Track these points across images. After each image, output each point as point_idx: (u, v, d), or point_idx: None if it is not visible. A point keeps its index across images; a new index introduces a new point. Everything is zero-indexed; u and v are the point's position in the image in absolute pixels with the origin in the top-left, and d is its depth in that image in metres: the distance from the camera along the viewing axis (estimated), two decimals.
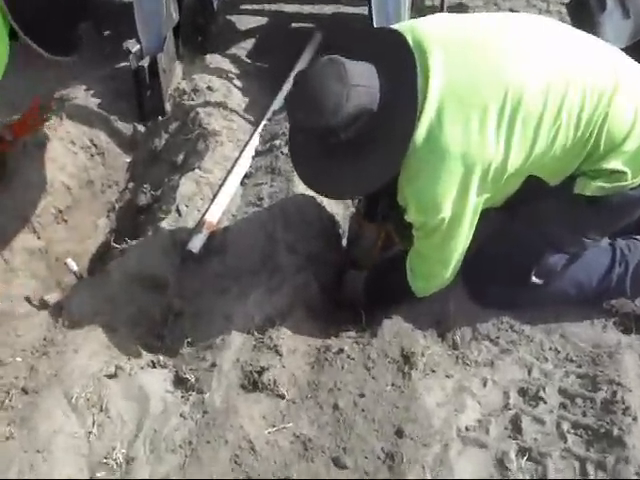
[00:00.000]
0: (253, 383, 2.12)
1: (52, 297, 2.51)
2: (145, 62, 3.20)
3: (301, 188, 2.70)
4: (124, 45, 3.28)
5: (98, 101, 3.32)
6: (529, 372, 2.16)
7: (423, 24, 2.11)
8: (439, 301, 2.33)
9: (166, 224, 2.67)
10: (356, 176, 2.05)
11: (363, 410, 2.06)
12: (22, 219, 2.77)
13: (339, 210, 2.80)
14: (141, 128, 3.37)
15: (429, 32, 2.05)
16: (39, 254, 2.75)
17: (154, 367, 2.22)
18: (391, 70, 1.98)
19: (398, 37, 2.03)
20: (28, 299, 2.54)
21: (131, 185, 3.19)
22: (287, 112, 2.23)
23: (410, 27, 2.09)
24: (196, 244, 2.56)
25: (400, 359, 2.19)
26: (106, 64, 3.62)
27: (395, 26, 2.16)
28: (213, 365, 2.17)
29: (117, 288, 2.45)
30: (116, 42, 4.14)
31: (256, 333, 2.26)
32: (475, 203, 2.04)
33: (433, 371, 2.16)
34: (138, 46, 3.23)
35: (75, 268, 2.61)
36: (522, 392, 2.10)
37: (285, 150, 2.88)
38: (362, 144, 1.99)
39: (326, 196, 2.45)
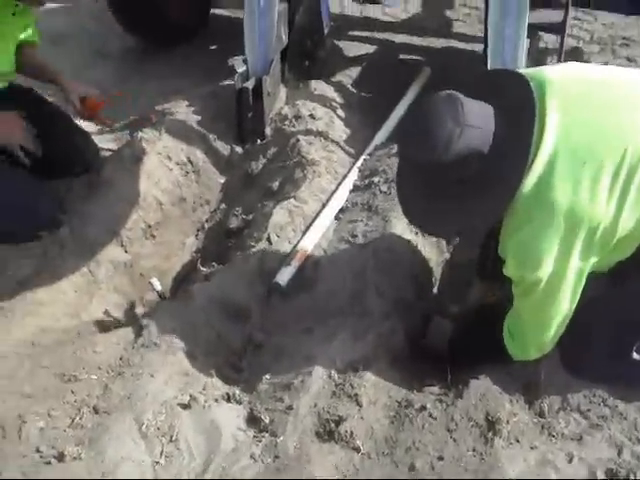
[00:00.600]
0: (329, 432, 2.02)
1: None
2: (250, 84, 3.18)
3: (398, 229, 2.61)
4: (229, 62, 3.26)
5: (198, 118, 3.30)
6: (619, 453, 1.99)
7: (548, 72, 2.02)
8: (530, 365, 2.19)
9: (255, 252, 2.61)
10: (459, 215, 1.99)
11: (440, 474, 1.94)
12: (111, 231, 2.76)
13: (432, 255, 2.70)
14: (239, 150, 3.35)
15: (553, 81, 1.96)
16: (124, 268, 2.73)
17: (229, 401, 2.15)
18: (509, 114, 1.90)
19: (521, 81, 1.94)
20: (108, 313, 2.51)
21: (223, 206, 3.15)
22: (397, 143, 2.17)
23: (535, 73, 2.00)
24: (284, 277, 2.49)
25: (484, 424, 2.06)
26: (209, 80, 3.61)
27: (521, 70, 2.07)
28: (289, 408, 2.07)
29: (199, 313, 2.39)
30: (221, 57, 4.20)
31: (337, 378, 2.16)
32: (579, 266, 1.91)
33: (517, 440, 2.02)
34: (244, 67, 3.20)
35: (159, 288, 2.57)
36: (610, 473, 1.93)
37: (383, 188, 2.81)
38: (469, 184, 1.92)
39: (427, 232, 2.41)
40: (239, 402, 2.15)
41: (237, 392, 2.17)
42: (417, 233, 2.66)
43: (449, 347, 2.35)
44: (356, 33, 4.35)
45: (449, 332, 2.37)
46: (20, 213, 2.59)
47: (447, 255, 2.77)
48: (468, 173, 1.89)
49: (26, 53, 2.92)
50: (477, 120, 1.86)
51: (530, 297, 1.99)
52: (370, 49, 4.26)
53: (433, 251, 2.71)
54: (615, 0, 3.55)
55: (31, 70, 2.97)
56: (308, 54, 3.71)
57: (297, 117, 3.28)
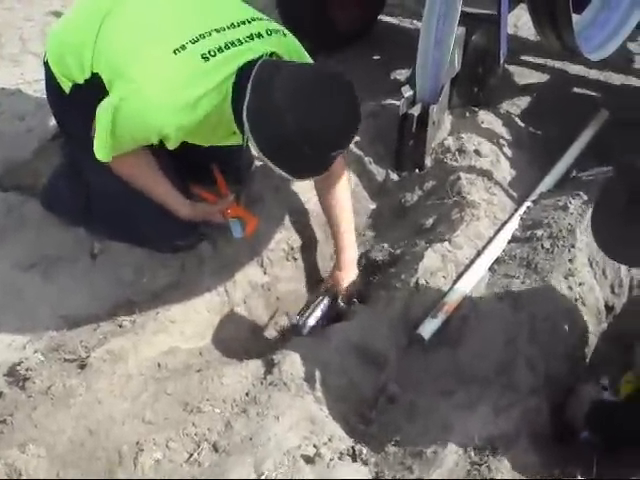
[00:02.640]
0: None
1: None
2: (416, 110, 3.00)
3: (557, 292, 2.38)
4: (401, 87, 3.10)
5: (356, 138, 3.14)
6: None
7: None
8: None
9: (400, 296, 2.44)
10: None
11: None
12: (253, 250, 2.65)
13: (591, 325, 2.44)
14: (394, 177, 3.18)
15: None
16: (261, 290, 2.63)
17: (354, 460, 1.99)
18: None
19: None
20: (238, 338, 2.42)
21: (370, 234, 2.99)
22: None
23: None
24: (428, 329, 2.32)
25: None
26: (370, 95, 3.45)
27: None
28: None
29: (333, 355, 2.26)
30: (385, 69, 4.05)
31: (473, 455, 1.97)
32: None
33: None
34: (411, 92, 3.03)
35: (294, 320, 2.46)
36: None
37: (546, 244, 2.57)
38: None
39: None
40: (365, 463, 1.99)
41: (364, 451, 2.02)
42: (577, 299, 2.42)
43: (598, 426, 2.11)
44: (530, 59, 4.09)
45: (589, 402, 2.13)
46: (164, 221, 2.52)
47: (605, 325, 2.54)
48: None
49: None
50: None
51: None
52: (542, 78, 4.01)
53: (592, 320, 2.46)
54: None
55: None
56: (479, 80, 3.48)
57: (461, 151, 3.07)
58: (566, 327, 2.32)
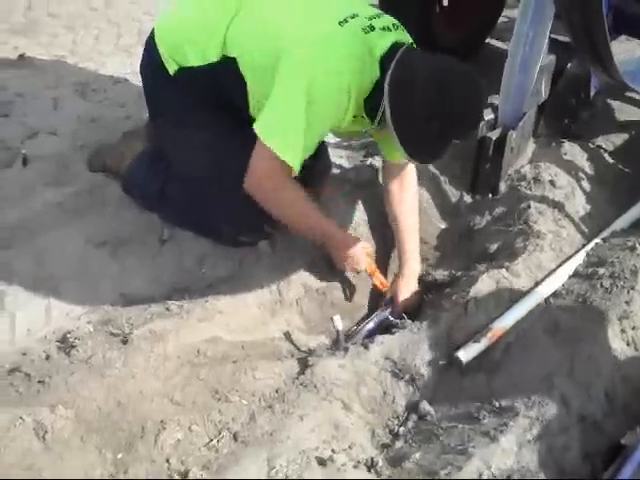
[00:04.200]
0: None
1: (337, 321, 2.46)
2: (495, 134, 2.99)
3: (608, 333, 2.31)
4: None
5: None
6: None
7: None
8: None
9: (447, 317, 2.42)
10: None
11: None
12: (311, 254, 2.71)
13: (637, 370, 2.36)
14: (467, 199, 3.16)
15: None
16: (315, 294, 2.66)
17: (369, 470, 2.00)
18: None
19: None
20: (283, 337, 2.47)
21: (434, 253, 2.99)
22: None
23: None
24: (468, 353, 2.30)
25: None
26: None
27: None
28: None
29: (371, 367, 2.27)
30: None
31: None
32: None
33: None
34: (492, 115, 3.00)
35: (340, 327, 2.46)
36: None
37: (606, 283, 2.50)
38: None
39: None
40: (379, 474, 1.99)
41: (381, 462, 2.02)
42: (628, 344, 2.34)
43: None
44: (634, 95, 3.94)
45: None
46: (230, 214, 2.60)
47: None
48: None
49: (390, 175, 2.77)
50: None
51: None
52: None
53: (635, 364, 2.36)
54: None
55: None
56: (570, 112, 3.42)
57: (536, 180, 3.02)
58: (610, 369, 2.25)
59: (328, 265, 2.70)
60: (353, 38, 2.28)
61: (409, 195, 2.71)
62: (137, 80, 3.65)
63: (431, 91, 2.20)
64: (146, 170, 2.77)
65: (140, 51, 4.00)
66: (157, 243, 2.70)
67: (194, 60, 2.46)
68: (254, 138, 2.35)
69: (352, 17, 2.30)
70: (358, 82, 2.29)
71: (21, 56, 3.83)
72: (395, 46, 2.32)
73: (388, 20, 2.41)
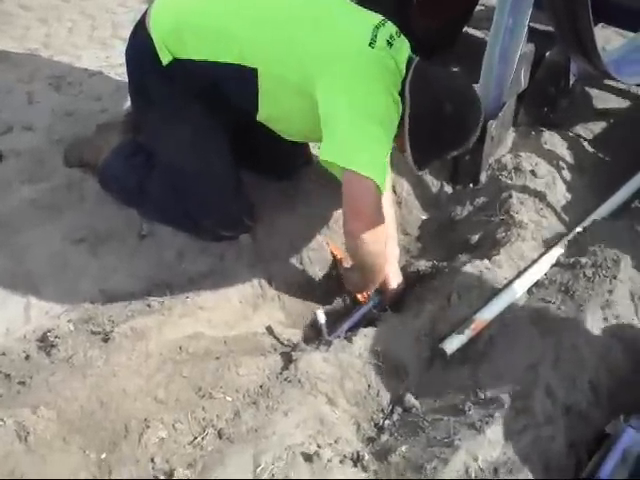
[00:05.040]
0: None
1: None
2: None
3: (591, 324, 2.32)
4: None
5: None
6: None
7: None
8: None
9: (430, 309, 2.42)
10: None
11: None
12: (293, 248, 2.71)
13: (624, 364, 2.36)
14: (448, 189, 3.16)
15: None
16: (297, 288, 2.66)
17: (355, 464, 1.99)
18: None
19: None
20: (265, 332, 2.45)
21: (417, 245, 2.98)
22: None
23: None
24: (452, 345, 2.30)
25: None
26: None
27: None
28: None
29: (354, 360, 2.26)
30: None
31: (473, 477, 1.93)
32: None
33: None
34: None
35: (323, 321, 2.46)
36: None
37: (588, 272, 2.51)
38: None
39: None
40: (365, 469, 1.98)
41: (367, 456, 2.01)
42: (612, 336, 2.35)
43: None
44: (612, 83, 3.94)
45: None
46: (211, 208, 2.58)
47: None
48: None
49: None
50: None
51: None
52: (623, 104, 3.87)
53: (627, 357, 2.37)
54: None
55: None
56: (550, 100, 3.41)
57: (517, 170, 3.02)
58: (593, 361, 2.25)
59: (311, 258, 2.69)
60: (386, 54, 2.31)
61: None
62: (113, 73, 3.63)
63: (449, 105, 2.30)
64: (123, 164, 2.74)
65: (115, 43, 3.99)
66: (136, 238, 2.67)
67: (195, 54, 2.38)
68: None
69: (374, 34, 2.31)
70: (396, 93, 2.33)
71: None
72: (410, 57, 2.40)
73: (393, 26, 2.42)
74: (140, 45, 2.50)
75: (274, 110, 2.42)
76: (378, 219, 2.30)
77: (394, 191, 3.01)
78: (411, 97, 2.29)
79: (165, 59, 2.40)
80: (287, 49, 2.30)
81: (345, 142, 2.22)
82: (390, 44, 2.33)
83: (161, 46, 2.40)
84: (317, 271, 2.71)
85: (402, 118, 2.32)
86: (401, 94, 2.32)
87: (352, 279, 2.62)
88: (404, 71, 2.34)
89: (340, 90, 2.23)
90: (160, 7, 2.48)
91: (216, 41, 2.35)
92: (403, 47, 2.40)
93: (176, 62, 2.40)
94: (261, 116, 2.45)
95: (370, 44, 2.28)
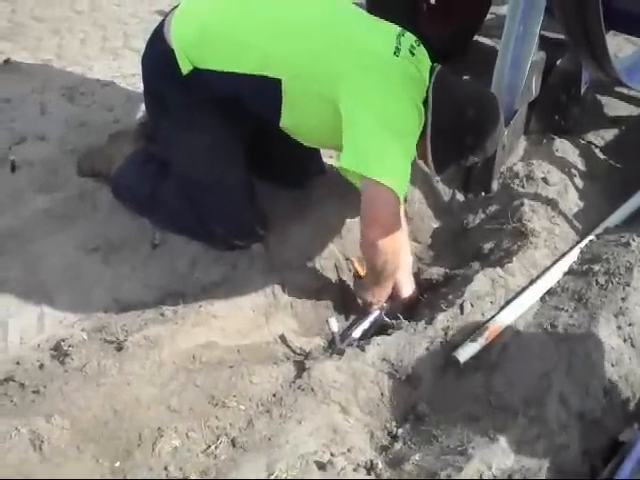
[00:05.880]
0: None
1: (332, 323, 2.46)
2: None
3: (604, 331, 2.31)
4: None
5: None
6: None
7: None
8: None
9: (443, 317, 2.41)
10: None
11: None
12: (306, 256, 2.72)
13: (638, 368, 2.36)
14: (460, 197, 3.16)
15: None
16: (309, 296, 2.66)
17: (369, 472, 1.98)
18: None
19: None
20: (279, 340, 2.45)
21: (428, 253, 2.98)
22: None
23: None
24: (465, 353, 2.28)
25: None
26: None
27: None
28: None
29: (367, 369, 2.25)
30: None
31: None
32: None
33: None
34: None
35: (335, 329, 2.45)
36: None
37: (601, 280, 2.50)
38: None
39: None
40: (379, 477, 1.98)
41: (380, 465, 2.00)
42: (625, 340, 2.35)
43: None
44: (624, 91, 3.94)
45: None
46: (224, 217, 2.60)
47: None
48: None
49: None
50: None
51: None
52: (635, 111, 3.87)
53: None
54: None
55: None
56: (561, 108, 3.41)
57: (529, 178, 3.03)
58: (608, 366, 2.24)
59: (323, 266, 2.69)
60: (409, 63, 2.34)
61: None
62: (125, 83, 3.65)
63: (471, 110, 2.35)
64: (136, 173, 2.75)
65: (127, 54, 4.02)
66: (149, 247, 2.68)
67: (216, 64, 2.37)
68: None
69: (397, 42, 2.35)
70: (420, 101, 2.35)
71: (6, 61, 3.79)
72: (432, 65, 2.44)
73: (411, 35, 2.45)
74: (158, 54, 2.50)
75: (296, 118, 2.44)
76: (396, 228, 2.32)
77: (405, 199, 3.00)
78: (434, 103, 2.32)
79: (185, 69, 2.40)
80: (312, 59, 2.32)
81: (367, 151, 2.23)
82: (412, 53, 2.35)
83: (182, 56, 2.40)
84: (329, 279, 2.71)
85: (424, 125, 2.34)
86: (424, 102, 2.34)
87: (365, 286, 2.62)
88: (427, 80, 2.36)
89: (364, 99, 2.25)
90: (182, 17, 2.47)
91: (238, 52, 2.36)
92: (424, 56, 2.43)
93: (196, 72, 2.40)
94: (283, 124, 2.46)
95: (395, 53, 2.30)
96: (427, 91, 2.35)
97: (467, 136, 2.39)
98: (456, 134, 2.37)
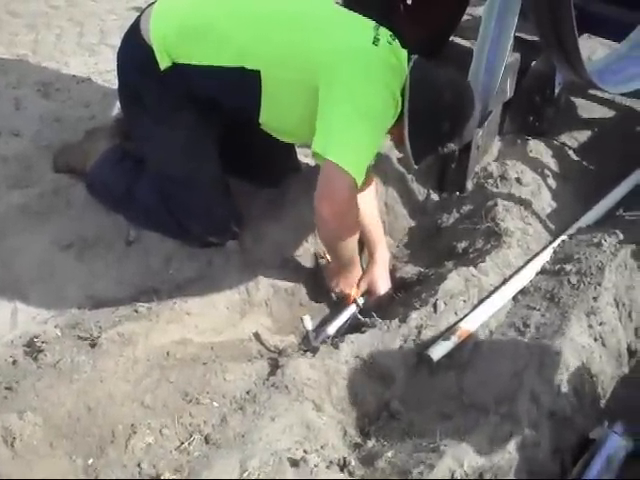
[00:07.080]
0: None
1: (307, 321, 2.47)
2: None
3: (575, 330, 2.34)
4: None
5: (400, 155, 3.16)
6: None
7: None
8: None
9: (416, 315, 2.43)
10: None
11: None
12: (280, 254, 2.74)
13: (609, 368, 2.39)
14: (434, 197, 3.18)
15: None
16: (284, 294, 2.66)
17: (342, 470, 1.99)
18: None
19: None
20: (253, 338, 2.45)
21: (403, 252, 3.00)
22: None
23: None
24: (438, 352, 2.30)
25: None
26: None
27: None
28: None
29: (341, 367, 2.26)
30: None
31: None
32: None
33: None
34: None
35: (310, 327, 2.46)
36: None
37: (573, 279, 2.53)
38: None
39: None
40: (352, 474, 1.99)
41: (353, 462, 2.01)
42: (596, 339, 2.38)
43: None
44: (597, 93, 3.99)
45: None
46: (199, 214, 2.60)
47: (626, 370, 2.46)
48: None
49: None
50: None
51: None
52: (608, 113, 3.92)
53: (611, 362, 2.40)
54: None
55: None
56: (535, 110, 3.45)
57: (502, 178, 3.06)
58: (579, 365, 2.27)
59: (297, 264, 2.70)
60: (389, 52, 2.38)
61: (367, 188, 2.72)
62: (101, 80, 3.63)
63: (448, 95, 2.41)
64: (112, 169, 2.74)
65: (103, 50, 3.99)
66: (123, 244, 2.68)
67: (196, 57, 2.37)
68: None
69: (376, 33, 2.39)
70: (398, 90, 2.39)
71: None
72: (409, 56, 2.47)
73: (385, 29, 2.48)
74: (134, 50, 2.50)
75: (276, 110, 2.45)
76: (347, 209, 2.32)
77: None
78: (411, 90, 2.35)
79: (164, 64, 2.39)
80: (291, 49, 2.34)
81: (333, 134, 2.25)
82: (390, 43, 2.39)
83: (161, 51, 2.39)
84: (304, 277, 2.72)
85: (401, 112, 2.38)
86: (403, 90, 2.37)
87: (330, 273, 2.67)
88: (406, 69, 2.39)
89: (342, 85, 2.27)
90: (161, 13, 2.47)
91: (217, 45, 2.36)
92: (400, 47, 2.47)
93: (174, 67, 2.39)
94: (262, 118, 2.47)
95: (374, 42, 2.33)
96: (405, 79, 2.37)
97: (444, 122, 2.42)
98: (433, 120, 2.40)
